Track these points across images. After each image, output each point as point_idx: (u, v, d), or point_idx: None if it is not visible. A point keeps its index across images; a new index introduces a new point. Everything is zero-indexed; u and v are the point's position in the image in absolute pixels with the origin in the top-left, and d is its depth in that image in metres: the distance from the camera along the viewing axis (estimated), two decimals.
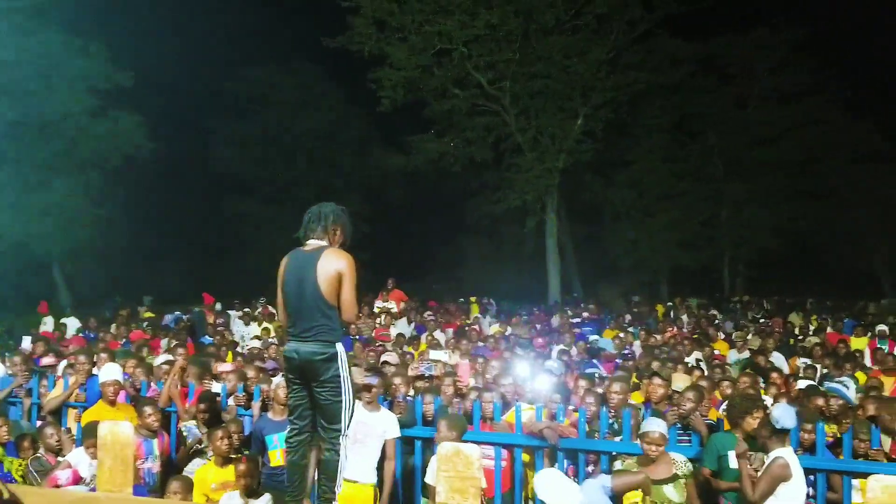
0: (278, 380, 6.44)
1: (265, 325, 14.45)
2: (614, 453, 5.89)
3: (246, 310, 16.49)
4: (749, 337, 13.41)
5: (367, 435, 6.09)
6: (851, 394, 7.12)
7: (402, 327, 14.25)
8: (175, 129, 28.26)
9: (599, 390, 7.12)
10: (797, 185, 28.29)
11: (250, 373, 7.88)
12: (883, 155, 27.35)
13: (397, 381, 7.17)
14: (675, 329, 14.79)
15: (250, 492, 5.49)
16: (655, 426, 5.27)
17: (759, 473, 4.98)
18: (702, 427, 5.89)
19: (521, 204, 25.69)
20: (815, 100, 27.69)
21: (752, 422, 5.51)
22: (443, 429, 5.77)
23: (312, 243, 4.43)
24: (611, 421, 6.26)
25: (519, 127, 25.51)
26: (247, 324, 15.23)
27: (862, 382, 8.74)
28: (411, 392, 7.24)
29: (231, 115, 32.25)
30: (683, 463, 5.27)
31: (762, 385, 8.23)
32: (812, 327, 15.24)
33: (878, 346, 11.74)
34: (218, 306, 17.80)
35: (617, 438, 6.05)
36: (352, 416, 4.37)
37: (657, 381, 6.88)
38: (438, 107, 25.48)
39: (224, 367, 8.93)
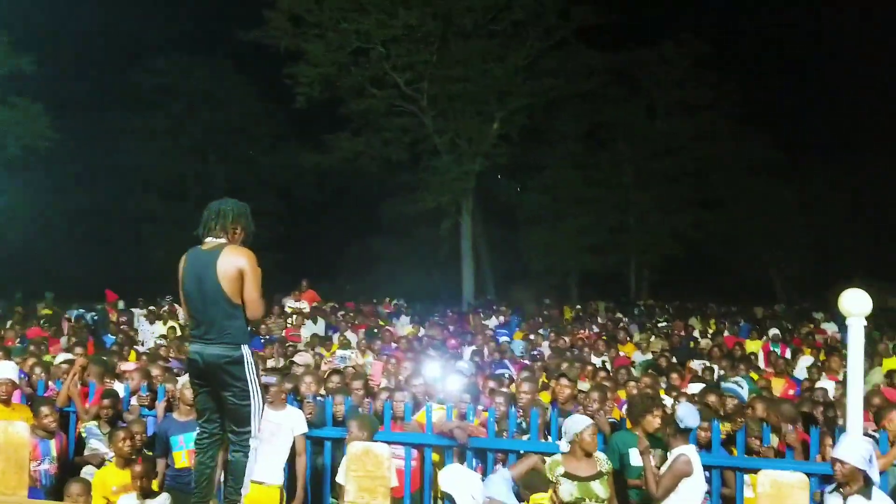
0: (184, 379, 6.30)
1: (171, 323, 14.06)
2: (522, 451, 6.02)
3: (151, 308, 16.00)
4: (652, 339, 13.94)
5: (273, 434, 6.02)
6: (745, 394, 7.48)
7: (316, 328, 14.12)
8: (79, 119, 27.11)
9: (509, 390, 7.27)
10: (697, 194, 29.48)
11: (154, 372, 7.68)
12: (775, 166, 28.85)
13: (308, 380, 7.12)
14: (583, 331, 15.16)
15: (147, 493, 5.36)
16: (587, 423, 5.28)
17: (663, 470, 5.18)
18: (605, 427, 6.08)
19: (437, 206, 25.86)
20: (714, 113, 28.93)
21: (651, 420, 5.72)
22: (354, 429, 5.77)
23: (211, 241, 4.25)
24: (519, 420, 6.39)
25: (436, 129, 25.69)
26: (151, 322, 14.78)
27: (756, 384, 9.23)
28: (322, 392, 7.20)
29: (138, 106, 31.13)
30: (605, 461, 5.33)
31: (663, 386, 8.57)
32: (711, 331, 15.89)
33: (772, 349, 12.38)
34: (121, 304, 17.21)
35: (525, 437, 6.17)
36: (261, 417, 4.28)
37: (564, 381, 7.08)
38: (355, 105, 25.39)
39: (127, 366, 8.67)
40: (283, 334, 13.20)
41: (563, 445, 5.30)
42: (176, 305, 15.18)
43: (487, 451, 6.06)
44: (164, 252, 27.43)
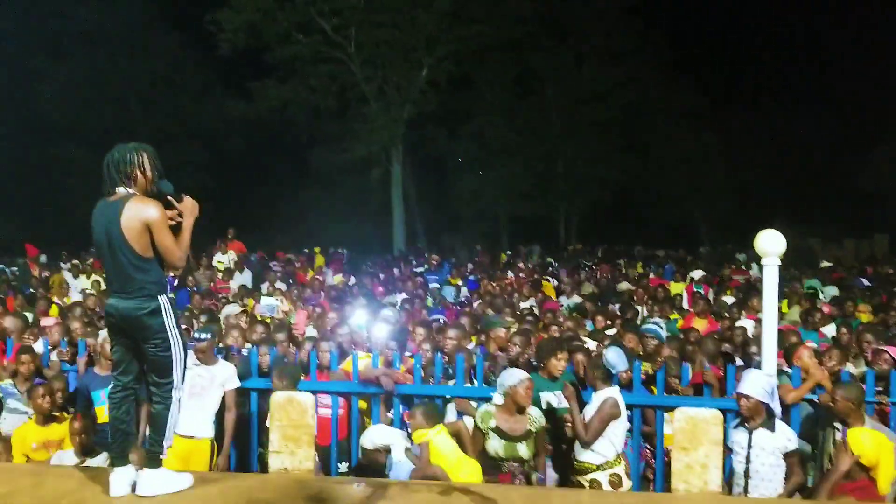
0: (105, 333, 6.13)
1: (95, 277, 13.64)
2: (448, 396, 6.10)
3: (74, 262, 15.47)
4: (581, 284, 14.21)
5: (204, 388, 5.97)
6: (664, 334, 7.71)
7: (243, 278, 13.91)
8: None
9: (436, 336, 7.31)
10: (624, 141, 29.90)
11: (75, 326, 7.45)
12: (699, 113, 29.43)
13: (235, 333, 7.02)
14: (512, 277, 15.34)
15: (86, 450, 5.25)
16: (523, 377, 5.26)
17: (589, 414, 5.29)
18: (528, 369, 6.17)
19: (367, 154, 25.54)
20: (640, 60, 29.19)
21: (555, 363, 5.82)
22: (275, 378, 5.72)
23: (118, 192, 4.04)
24: (445, 366, 6.45)
25: (364, 76, 25.24)
26: (76, 276, 14.32)
27: (678, 325, 9.52)
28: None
29: (56, 55, 29.58)
30: (538, 418, 5.33)
31: (589, 329, 8.76)
32: (636, 273, 16.28)
33: (695, 290, 12.76)
34: (43, 258, 16.61)
35: (451, 382, 6.24)
36: (185, 368, 4.16)
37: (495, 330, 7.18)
38: (281, 52, 24.70)
39: (47, 321, 8.38)
40: (211, 286, 12.98)
41: (497, 398, 5.32)
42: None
43: (414, 398, 6.11)
44: (89, 205, 26.43)
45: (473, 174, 29.43)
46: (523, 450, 5.20)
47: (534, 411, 5.35)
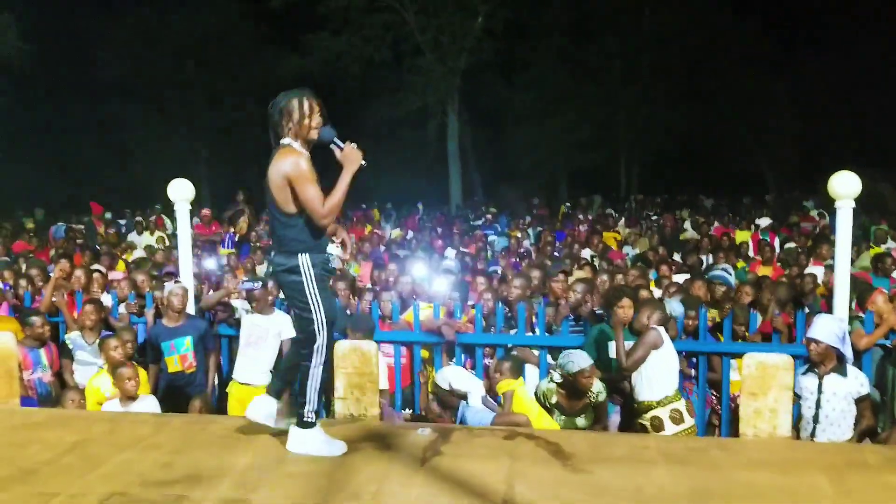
0: (171, 286, 6.30)
1: (158, 233, 13.99)
2: (509, 346, 6.09)
3: (138, 218, 15.89)
4: (641, 233, 13.99)
5: (260, 338, 6.10)
6: (732, 280, 7.54)
7: None
8: (49, 29, 26.11)
9: (497, 286, 7.28)
10: (687, 88, 28.96)
11: (141, 279, 7.66)
12: (765, 56, 28.27)
13: None
14: (573, 227, 15.18)
15: (132, 397, 5.41)
16: (587, 364, 5.18)
17: (633, 344, 5.24)
18: (591, 318, 6.13)
19: (422, 107, 25.36)
20: (703, 3, 28.06)
21: (619, 311, 5.74)
22: (350, 329, 5.77)
23: (281, 143, 3.88)
24: (507, 315, 6.43)
25: (419, 26, 24.92)
26: (139, 233, 14.71)
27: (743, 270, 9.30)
28: None
29: (109, 14, 29.98)
30: (598, 393, 5.27)
31: (652, 277, 8.61)
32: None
33: (761, 237, 12.43)
34: (108, 215, 17.09)
35: (512, 332, 6.22)
36: (328, 331, 3.90)
37: (560, 276, 7.12)
38: (334, 3, 24.53)
39: (115, 275, 8.64)
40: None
41: (556, 376, 5.29)
42: (163, 216, 15.07)
43: (476, 347, 6.12)
44: (147, 163, 27.06)
45: (531, 124, 28.94)
46: (581, 422, 5.26)
47: (596, 386, 5.26)
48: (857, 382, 4.85)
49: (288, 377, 4.25)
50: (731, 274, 7.55)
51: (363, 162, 3.91)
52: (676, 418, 5.13)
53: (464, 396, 5.21)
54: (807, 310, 6.56)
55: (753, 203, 21.03)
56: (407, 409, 6.29)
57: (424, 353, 6.28)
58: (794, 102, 29.33)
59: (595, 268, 9.17)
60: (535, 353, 6.10)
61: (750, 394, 4.40)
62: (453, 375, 5.40)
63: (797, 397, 4.93)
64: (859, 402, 4.84)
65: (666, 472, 3.79)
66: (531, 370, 6.10)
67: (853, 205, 5.28)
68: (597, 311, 6.32)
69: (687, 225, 15.03)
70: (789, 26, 29.31)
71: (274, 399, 4.22)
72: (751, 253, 11.41)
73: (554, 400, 5.28)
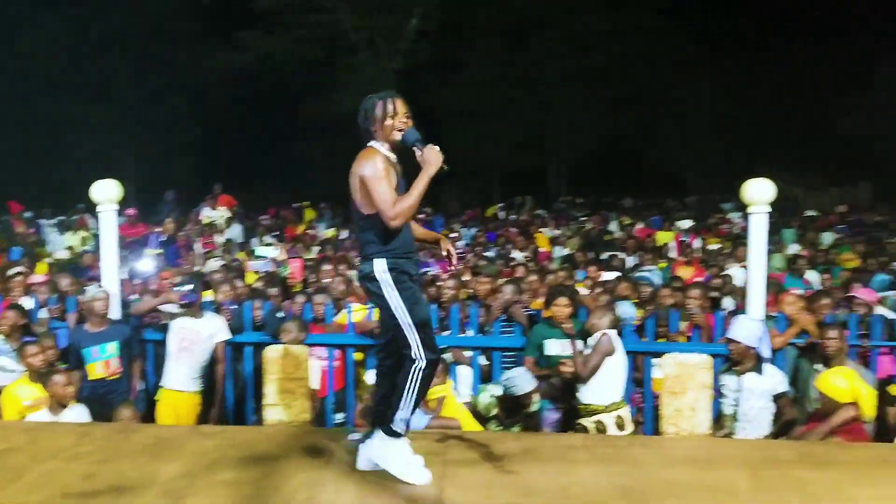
0: (93, 290, 6.12)
1: (82, 233, 13.56)
2: (443, 346, 6.14)
3: (61, 218, 15.36)
4: (570, 234, 14.25)
5: (193, 342, 6.00)
6: (656, 281, 7.77)
7: (231, 233, 13.84)
8: None
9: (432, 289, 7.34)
10: (617, 90, 29.60)
11: (64, 283, 7.44)
12: (690, 61, 29.14)
13: (224, 287, 7.03)
14: (505, 229, 15.35)
15: (62, 405, 5.27)
16: (531, 385, 5.30)
17: (589, 350, 5.36)
18: (521, 318, 6.24)
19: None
20: (634, 6, 28.69)
21: (555, 310, 5.85)
22: (294, 329, 5.73)
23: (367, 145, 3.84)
24: (441, 316, 6.49)
25: (353, 25, 24.80)
26: (62, 233, 14.23)
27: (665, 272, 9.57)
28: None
29: (38, 5, 28.84)
30: (534, 403, 5.37)
31: (579, 278, 8.80)
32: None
33: (682, 239, 12.81)
34: (27, 214, 16.48)
35: (445, 333, 6.28)
36: (421, 337, 3.66)
37: (482, 278, 7.22)
38: (267, 1, 24.22)
39: (35, 278, 8.36)
40: (200, 241, 12.92)
41: (497, 389, 5.41)
42: (88, 215, 14.62)
43: None
44: (76, 159, 26.17)
45: (467, 125, 29.13)
46: (516, 430, 5.34)
47: (535, 398, 5.38)
48: (773, 380, 5.06)
49: (389, 401, 3.84)
50: (655, 276, 7.77)
51: (445, 166, 3.80)
52: (620, 424, 5.24)
53: None
54: (725, 310, 6.82)
55: (676, 204, 21.66)
56: (340, 413, 6.28)
57: (358, 356, 6.29)
58: (715, 106, 30.34)
59: (528, 268, 9.32)
60: (468, 354, 6.18)
61: (671, 393, 4.56)
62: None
63: (718, 394, 5.13)
64: (777, 398, 5.05)
65: (591, 471, 3.90)
66: (464, 370, 6.19)
67: (768, 209, 5.50)
68: (529, 312, 6.45)
69: (612, 226, 15.40)
70: (714, 30, 30.25)
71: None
72: (673, 254, 11.77)
73: (493, 413, 5.38)
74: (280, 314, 6.63)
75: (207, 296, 6.79)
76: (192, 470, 3.84)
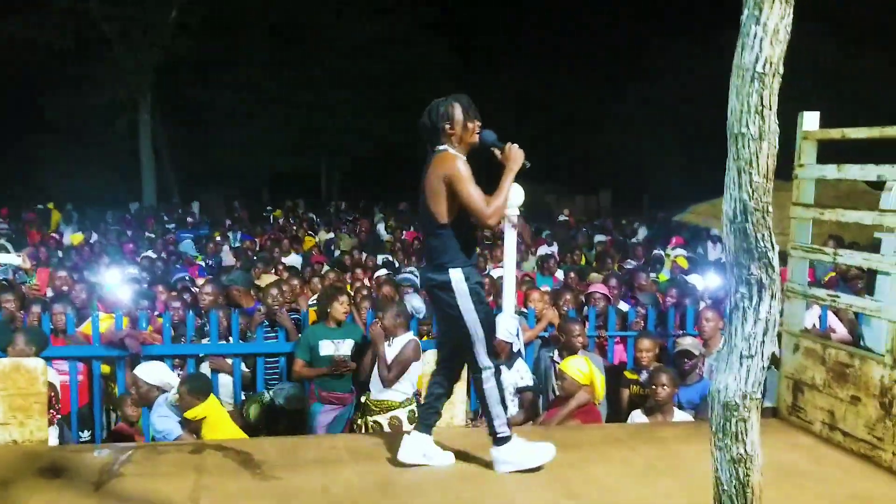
0: None
1: None
2: (201, 355, 5.90)
3: None
4: (342, 239, 14.33)
5: None
6: (418, 281, 8.02)
7: None
8: None
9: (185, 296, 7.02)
10: (388, 97, 30.22)
11: None
12: (454, 72, 30.54)
13: None
14: (272, 232, 15.10)
15: None
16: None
17: (395, 356, 5.38)
18: (286, 322, 6.15)
19: (112, 101, 23.55)
20: (400, 17, 29.47)
21: (338, 307, 5.85)
22: (20, 343, 5.17)
23: (437, 148, 3.78)
24: (200, 323, 6.22)
25: (104, 14, 23.04)
26: None
27: None
28: None
29: None
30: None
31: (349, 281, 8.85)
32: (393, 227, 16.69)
33: None
34: None
35: (204, 340, 6.03)
36: (491, 349, 3.79)
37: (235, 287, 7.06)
38: None
39: None
40: None
41: (264, 397, 5.50)
42: None
43: (165, 358, 5.84)
44: None
45: (233, 126, 28.21)
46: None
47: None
48: (517, 375, 5.39)
49: (438, 406, 4.07)
50: (416, 276, 8.01)
51: (527, 162, 3.81)
52: (412, 419, 5.34)
53: (164, 390, 5.00)
54: None
55: None
56: (86, 430, 5.80)
57: (105, 369, 5.84)
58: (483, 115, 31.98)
59: (299, 272, 9.21)
60: (229, 361, 5.98)
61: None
62: (153, 369, 5.18)
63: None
64: (521, 391, 5.38)
65: (353, 470, 3.93)
66: (225, 379, 5.97)
67: (518, 213, 5.86)
68: (294, 317, 6.36)
69: (381, 229, 15.71)
70: (478, 45, 32.02)
71: (425, 434, 4.00)
72: None
73: (261, 421, 5.37)
74: (14, 325, 5.99)
75: None
76: None
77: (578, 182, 28.32)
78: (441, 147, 3.77)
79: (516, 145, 3.86)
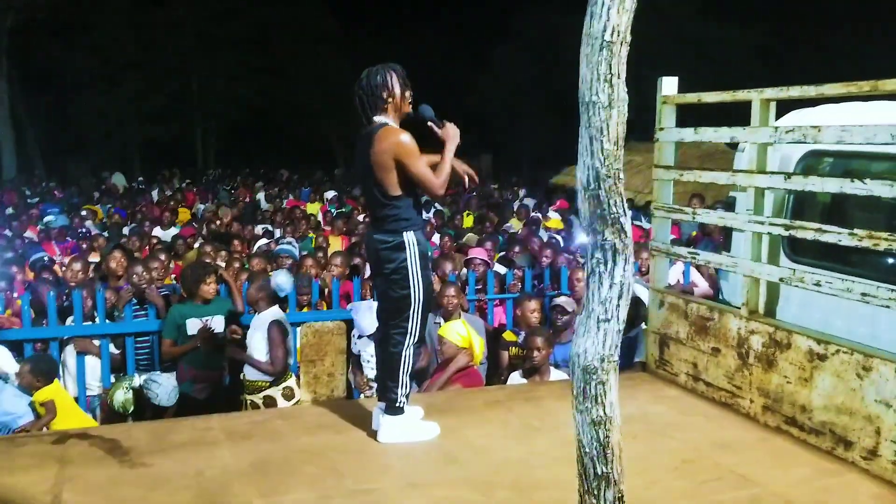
0: None
1: None
2: (65, 338, 5.61)
3: None
4: (221, 210, 13.83)
5: None
6: (297, 252, 7.89)
7: None
8: None
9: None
10: (261, 61, 29.33)
11: None
12: (331, 37, 29.96)
13: None
14: (145, 204, 14.45)
15: None
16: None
17: (260, 338, 5.29)
18: (156, 299, 5.91)
19: None
20: None
21: (206, 288, 5.68)
22: None
23: (375, 121, 3.72)
24: (65, 304, 5.90)
25: None
26: None
27: (313, 244, 9.77)
28: None
29: None
30: None
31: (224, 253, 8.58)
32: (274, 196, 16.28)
33: (329, 209, 13.19)
34: None
35: (69, 320, 5.72)
36: (423, 316, 3.76)
37: (115, 254, 6.74)
38: None
39: None
40: None
41: (132, 383, 5.35)
42: None
43: (24, 343, 5.51)
44: None
45: (97, 92, 26.63)
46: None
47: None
48: None
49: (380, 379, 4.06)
50: (295, 247, 7.87)
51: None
52: (288, 395, 5.31)
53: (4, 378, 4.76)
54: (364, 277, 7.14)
55: (324, 176, 22.23)
56: None
57: None
58: (355, 79, 31.64)
59: (170, 247, 8.85)
60: (96, 342, 5.70)
61: (308, 361, 4.65)
62: None
63: (357, 359, 5.37)
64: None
65: (228, 451, 3.81)
66: (92, 361, 5.70)
67: None
68: (163, 293, 6.12)
69: (261, 198, 15.31)
70: (351, 7, 31.50)
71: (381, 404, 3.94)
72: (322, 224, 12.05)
73: (131, 409, 5.21)
74: None
75: None
76: None
77: (459, 146, 28.54)
78: (380, 120, 3.76)
79: (451, 123, 3.94)
